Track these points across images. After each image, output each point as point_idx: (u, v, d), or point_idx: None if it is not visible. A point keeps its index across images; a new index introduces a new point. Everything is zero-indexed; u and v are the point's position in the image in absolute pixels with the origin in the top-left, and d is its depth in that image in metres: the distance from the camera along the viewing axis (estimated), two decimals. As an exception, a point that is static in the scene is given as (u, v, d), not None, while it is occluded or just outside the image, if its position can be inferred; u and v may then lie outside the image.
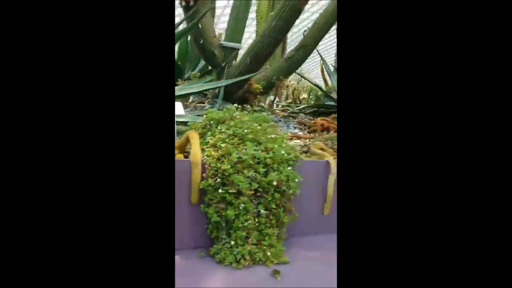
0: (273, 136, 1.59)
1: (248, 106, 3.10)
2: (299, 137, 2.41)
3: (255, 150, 1.45)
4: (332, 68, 3.56)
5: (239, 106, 1.94)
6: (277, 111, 3.29)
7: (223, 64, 2.84)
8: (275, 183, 1.36)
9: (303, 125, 2.87)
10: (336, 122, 2.72)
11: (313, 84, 3.23)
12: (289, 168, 1.43)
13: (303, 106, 3.23)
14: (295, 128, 2.86)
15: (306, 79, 3.53)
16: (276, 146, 1.47)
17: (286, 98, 4.32)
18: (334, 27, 2.98)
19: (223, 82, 2.47)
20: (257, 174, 1.35)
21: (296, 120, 2.95)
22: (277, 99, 4.42)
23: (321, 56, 3.31)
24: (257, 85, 2.93)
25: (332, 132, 2.43)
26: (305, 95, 3.71)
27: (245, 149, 1.40)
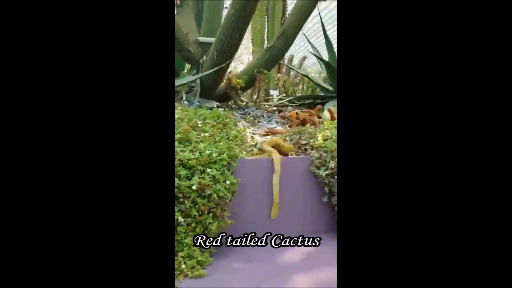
0: (206, 134, 1.45)
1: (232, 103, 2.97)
2: (273, 132, 2.25)
3: (181, 151, 1.32)
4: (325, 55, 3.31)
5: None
6: (265, 106, 3.12)
7: (201, 61, 2.74)
8: (194, 187, 1.23)
9: (285, 119, 2.69)
10: (318, 114, 2.51)
11: (302, 74, 3.00)
12: (212, 169, 1.28)
13: (289, 98, 3.02)
14: (277, 122, 2.69)
15: (292, 69, 3.31)
16: (203, 145, 1.34)
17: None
18: (317, 11, 2.75)
19: (184, 80, 2.37)
20: (176, 179, 1.23)
21: (279, 114, 2.77)
22: (276, 92, 4.23)
23: (310, 42, 3.08)
24: (238, 80, 2.79)
25: (308, 125, 2.23)
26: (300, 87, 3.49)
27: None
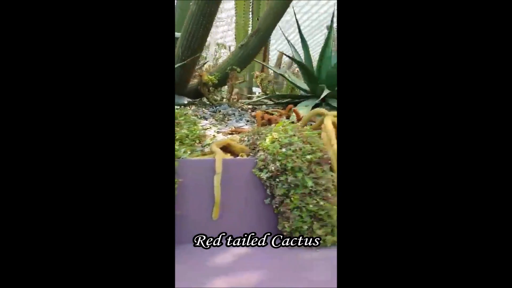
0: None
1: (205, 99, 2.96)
2: (238, 132, 2.24)
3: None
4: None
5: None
6: (240, 104, 3.10)
7: (172, 56, 2.72)
8: (124, 187, 1.22)
9: (256, 118, 2.67)
10: (288, 114, 2.49)
11: (279, 73, 2.98)
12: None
13: (266, 96, 3.00)
14: (247, 121, 2.68)
15: (269, 68, 3.29)
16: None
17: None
18: (290, 10, 2.73)
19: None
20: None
21: (252, 113, 2.76)
22: (258, 90, 4.21)
23: (289, 42, 3.05)
24: (210, 77, 2.78)
25: (273, 125, 2.22)
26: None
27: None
